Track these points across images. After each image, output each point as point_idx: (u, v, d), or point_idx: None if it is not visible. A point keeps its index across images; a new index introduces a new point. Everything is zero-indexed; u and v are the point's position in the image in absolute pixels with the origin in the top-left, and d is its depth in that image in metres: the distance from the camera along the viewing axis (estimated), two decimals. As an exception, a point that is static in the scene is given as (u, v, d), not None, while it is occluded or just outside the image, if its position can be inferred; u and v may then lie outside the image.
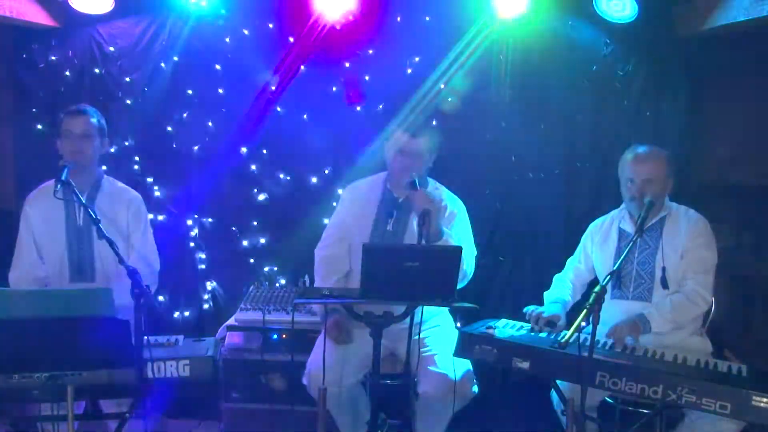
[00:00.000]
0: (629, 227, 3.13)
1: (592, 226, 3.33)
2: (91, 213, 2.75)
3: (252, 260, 4.27)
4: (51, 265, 3.23)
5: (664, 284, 3.02)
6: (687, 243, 3.04)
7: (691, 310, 2.99)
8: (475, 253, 3.28)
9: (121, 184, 3.42)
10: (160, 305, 2.58)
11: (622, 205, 3.21)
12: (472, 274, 3.22)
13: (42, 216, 3.21)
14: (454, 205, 3.29)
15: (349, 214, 3.32)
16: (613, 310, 3.05)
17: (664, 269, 3.03)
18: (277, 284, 4.15)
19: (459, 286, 3.12)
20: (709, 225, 3.09)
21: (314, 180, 4.23)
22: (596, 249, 3.25)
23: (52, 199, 2.88)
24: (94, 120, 3.24)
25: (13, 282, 3.20)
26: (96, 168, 3.31)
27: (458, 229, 3.23)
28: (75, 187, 2.89)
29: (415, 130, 3.15)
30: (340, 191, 4.10)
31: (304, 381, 3.10)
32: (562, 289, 3.25)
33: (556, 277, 3.35)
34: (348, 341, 3.09)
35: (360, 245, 2.62)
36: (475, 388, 3.05)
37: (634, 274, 3.10)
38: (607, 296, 3.02)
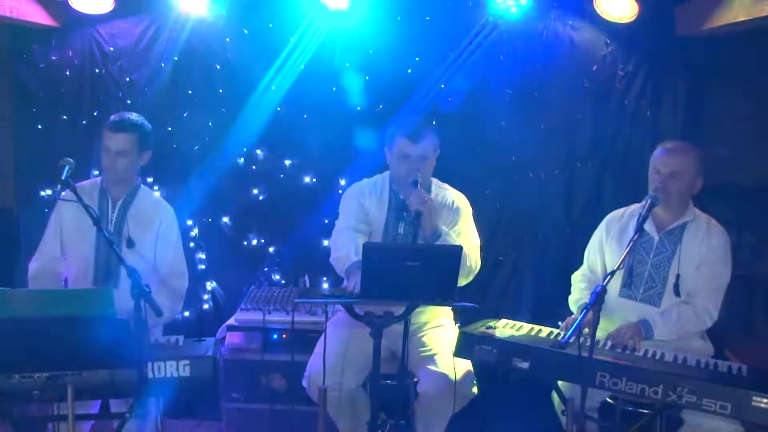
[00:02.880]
0: (648, 226, 3.03)
1: (610, 217, 3.22)
2: (106, 233, 2.77)
3: (252, 260, 4.27)
4: (75, 267, 3.17)
5: (677, 292, 2.96)
6: (705, 255, 2.97)
7: (697, 325, 2.96)
8: (479, 243, 3.26)
9: (157, 196, 3.36)
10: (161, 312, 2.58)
11: (643, 201, 3.09)
12: (478, 267, 3.20)
13: (75, 217, 3.12)
14: (458, 201, 3.29)
15: (354, 216, 3.25)
16: (620, 309, 3.02)
17: (678, 276, 2.96)
18: (277, 284, 4.16)
19: (468, 280, 3.14)
20: (729, 239, 3.02)
21: (314, 180, 4.23)
22: (612, 241, 3.13)
23: (88, 200, 2.85)
24: (133, 137, 3.14)
25: (32, 273, 3.17)
26: (134, 179, 3.25)
27: (464, 224, 3.23)
28: (110, 194, 3.11)
29: (415, 135, 3.11)
30: (340, 191, 4.11)
31: (304, 383, 3.09)
32: (584, 292, 3.16)
33: (575, 277, 3.27)
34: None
35: None
36: (475, 389, 3.05)
37: (646, 276, 3.03)
38: (616, 293, 3.02)
